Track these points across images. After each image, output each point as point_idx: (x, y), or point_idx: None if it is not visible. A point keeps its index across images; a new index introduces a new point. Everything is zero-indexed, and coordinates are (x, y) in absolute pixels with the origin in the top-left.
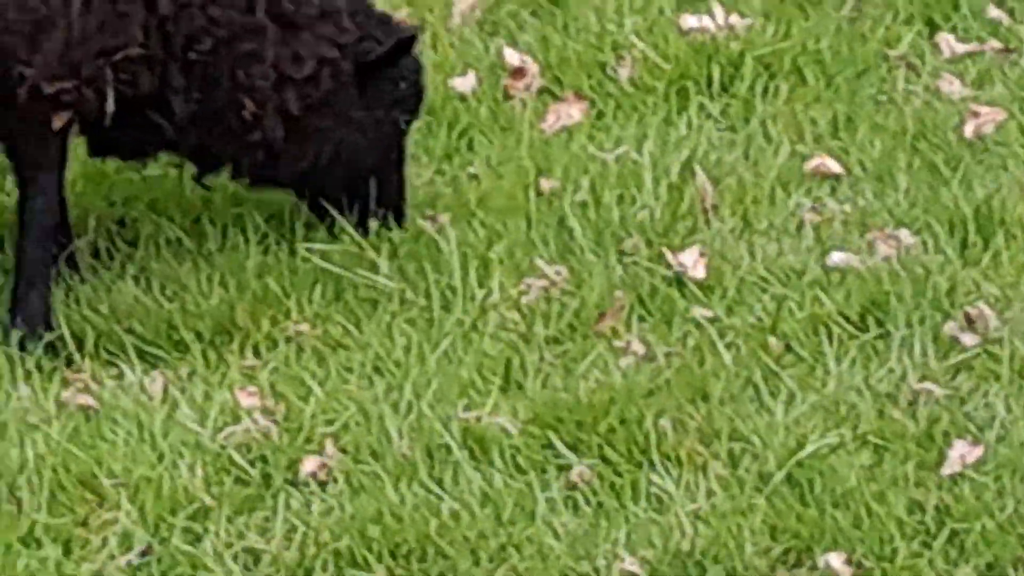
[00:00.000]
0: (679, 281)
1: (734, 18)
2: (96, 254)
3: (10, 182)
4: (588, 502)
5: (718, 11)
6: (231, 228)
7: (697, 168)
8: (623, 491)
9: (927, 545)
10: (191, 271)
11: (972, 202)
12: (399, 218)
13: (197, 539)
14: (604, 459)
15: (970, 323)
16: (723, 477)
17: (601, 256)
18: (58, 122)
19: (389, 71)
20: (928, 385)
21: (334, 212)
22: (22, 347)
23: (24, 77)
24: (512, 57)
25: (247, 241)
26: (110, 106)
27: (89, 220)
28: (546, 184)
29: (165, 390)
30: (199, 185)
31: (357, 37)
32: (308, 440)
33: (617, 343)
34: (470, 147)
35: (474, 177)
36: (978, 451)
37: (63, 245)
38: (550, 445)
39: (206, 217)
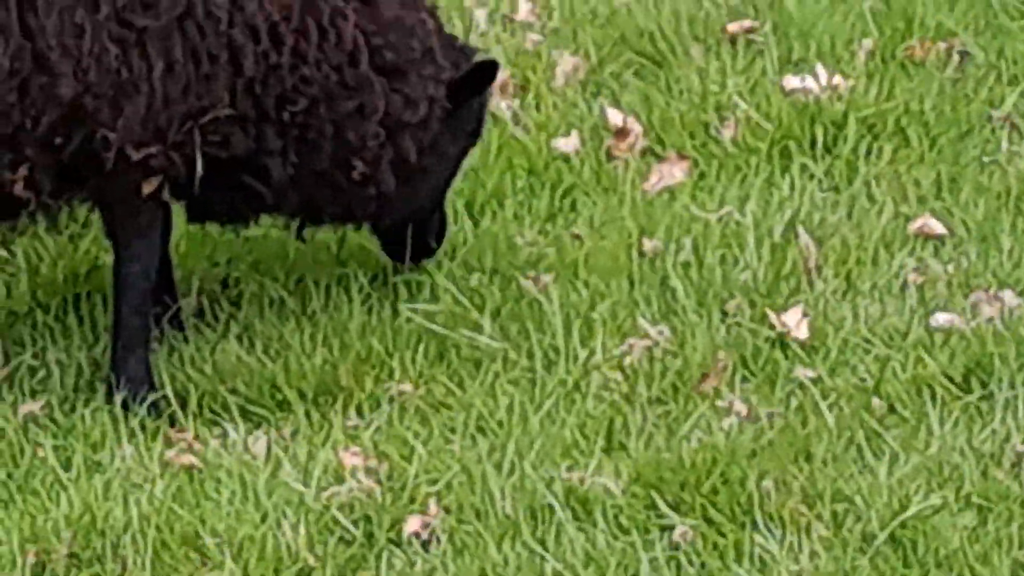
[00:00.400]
0: (782, 342)
1: (837, 79)
2: (200, 314)
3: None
4: (691, 563)
5: (821, 72)
6: (334, 288)
7: (800, 229)
8: (726, 552)
9: None
10: (295, 331)
11: None
12: (439, 243)
13: None
14: (707, 520)
15: None
16: (826, 538)
17: (704, 316)
18: (147, 188)
19: (472, 101)
20: None
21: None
22: (125, 407)
23: (109, 142)
24: (615, 117)
25: (350, 301)
26: (199, 170)
27: (193, 280)
28: (649, 244)
29: (269, 449)
30: (299, 239)
31: (452, 72)
32: (411, 500)
33: (720, 403)
34: (573, 207)
35: (577, 237)
36: None
37: (167, 305)
38: (653, 505)
39: (309, 277)
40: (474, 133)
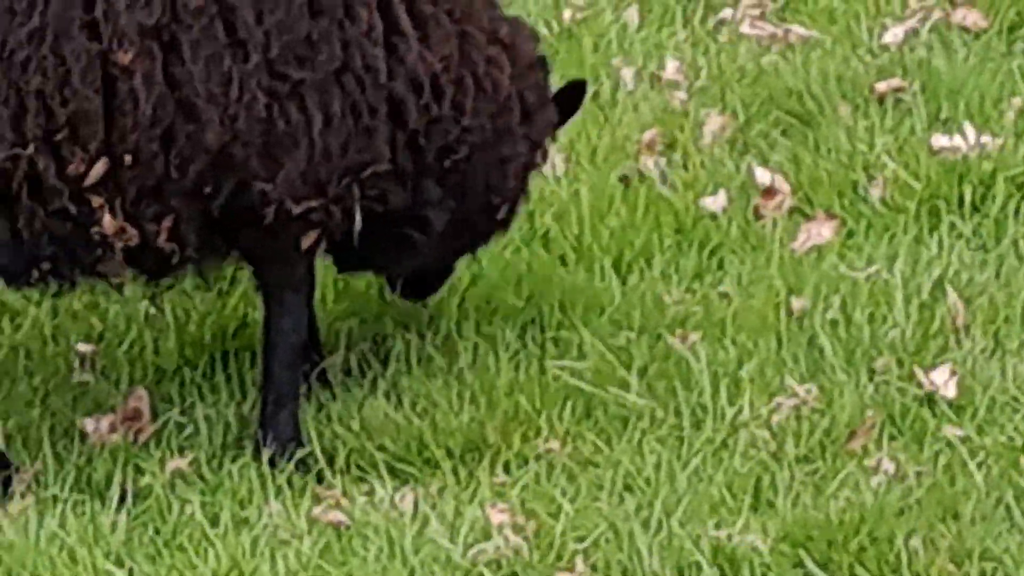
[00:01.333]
0: (930, 400)
1: (986, 137)
2: (348, 371)
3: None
4: None
5: (969, 130)
6: (482, 345)
7: (948, 287)
8: None
9: None
10: (442, 388)
11: None
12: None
13: None
14: None
15: None
16: None
17: (851, 375)
18: (306, 242)
19: None
20: None
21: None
22: (272, 464)
23: (267, 196)
24: (763, 176)
25: (498, 358)
26: (358, 224)
27: (341, 336)
28: (797, 303)
29: (416, 506)
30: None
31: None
32: (559, 557)
33: (868, 462)
34: (721, 266)
35: (725, 296)
36: None
37: (314, 362)
38: (801, 564)
39: (456, 334)
40: None
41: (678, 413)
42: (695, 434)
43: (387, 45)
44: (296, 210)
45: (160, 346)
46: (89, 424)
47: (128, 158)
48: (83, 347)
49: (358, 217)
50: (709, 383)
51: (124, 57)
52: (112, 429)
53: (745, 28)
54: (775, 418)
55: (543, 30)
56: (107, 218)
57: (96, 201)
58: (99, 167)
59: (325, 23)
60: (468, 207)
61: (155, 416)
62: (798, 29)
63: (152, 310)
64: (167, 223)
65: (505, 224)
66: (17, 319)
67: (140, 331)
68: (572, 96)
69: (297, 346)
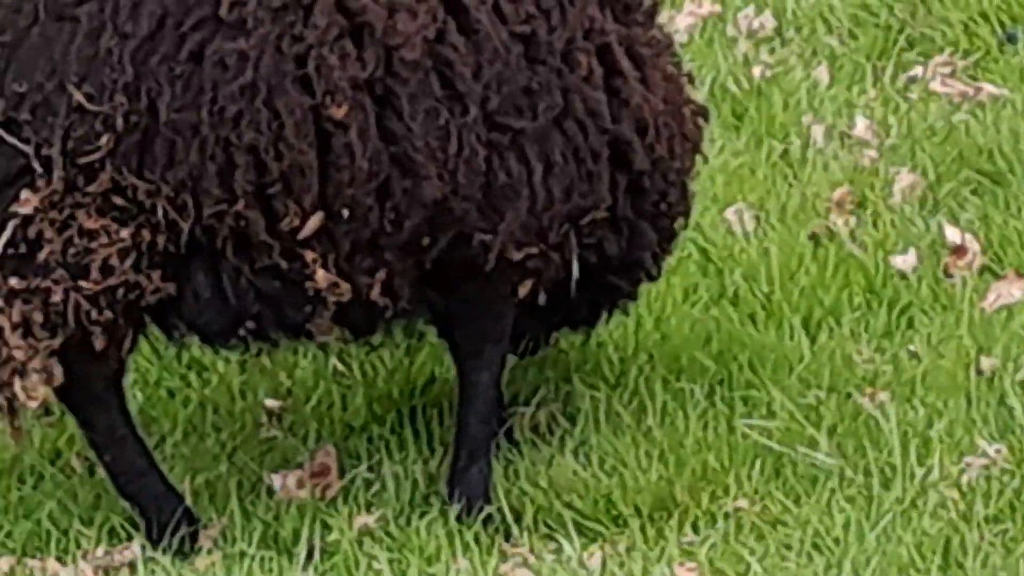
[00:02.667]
0: None
1: None
2: (536, 428)
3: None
4: None
5: None
6: (670, 403)
7: None
8: None
9: None
10: (630, 446)
11: None
12: None
13: None
14: None
15: None
16: None
17: None
18: (523, 291)
19: None
20: None
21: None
22: (460, 520)
23: (488, 246)
24: (953, 235)
25: (686, 417)
26: (575, 273)
27: (528, 394)
28: (986, 363)
29: (603, 565)
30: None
31: None
32: None
33: None
34: (910, 325)
35: (914, 355)
36: None
37: (501, 419)
38: None
39: (645, 392)
40: None
41: (867, 472)
42: (884, 494)
43: (608, 88)
44: (516, 257)
45: (348, 402)
46: (276, 480)
47: (344, 212)
48: (271, 403)
49: (575, 265)
50: (898, 442)
51: (339, 111)
52: (300, 485)
53: (936, 86)
54: (964, 478)
55: (733, 87)
56: (321, 273)
57: (309, 256)
58: (314, 221)
59: (544, 71)
60: (669, 248)
61: (342, 472)
62: (989, 87)
63: (340, 366)
64: (381, 276)
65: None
66: (205, 374)
67: (328, 387)
68: None
69: (493, 401)
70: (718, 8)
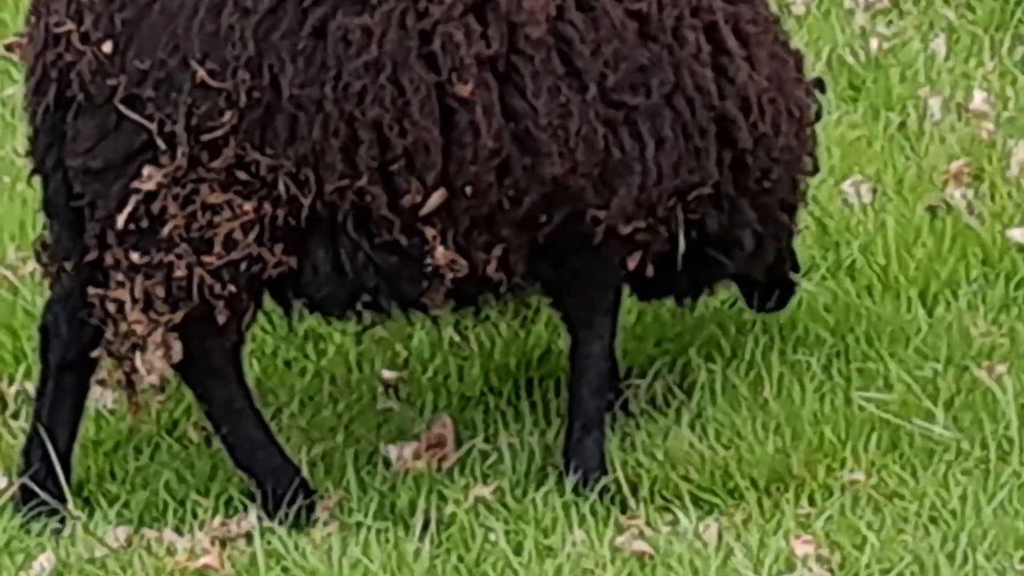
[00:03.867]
0: None
1: None
2: (652, 400)
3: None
4: None
5: None
6: (787, 375)
7: None
8: None
9: None
10: (747, 419)
11: None
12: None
13: None
14: None
15: None
16: None
17: None
18: (632, 262)
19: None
20: None
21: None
22: (576, 492)
23: (599, 220)
24: None
25: (803, 389)
26: (681, 247)
27: (645, 366)
28: None
29: (720, 537)
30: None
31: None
32: None
33: None
34: None
35: None
36: None
37: (618, 391)
38: None
39: (761, 364)
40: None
41: (984, 445)
42: (1001, 467)
43: (715, 66)
44: (625, 231)
45: (464, 374)
46: (393, 451)
47: (467, 189)
48: (388, 374)
49: (681, 239)
50: (1016, 415)
51: (464, 89)
52: (416, 456)
53: None
54: None
55: (850, 59)
56: (440, 249)
57: (430, 232)
58: (436, 197)
59: (656, 48)
60: (767, 227)
61: (459, 444)
62: None
63: (457, 337)
64: (497, 252)
65: (791, 238)
66: (322, 345)
67: (445, 358)
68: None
69: (605, 372)
70: None
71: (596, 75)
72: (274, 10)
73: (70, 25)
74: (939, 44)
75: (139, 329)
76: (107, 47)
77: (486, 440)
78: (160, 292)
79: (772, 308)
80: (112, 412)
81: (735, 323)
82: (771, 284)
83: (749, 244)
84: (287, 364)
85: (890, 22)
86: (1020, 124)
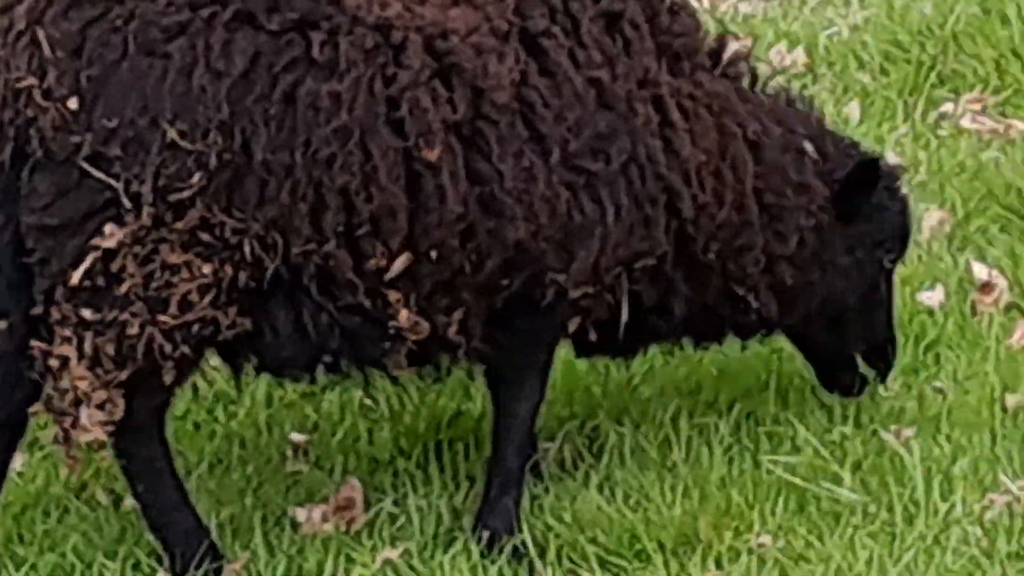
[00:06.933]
0: None
1: None
2: (561, 463)
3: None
4: None
5: None
6: (696, 438)
7: None
8: None
9: None
10: (655, 481)
11: None
12: (891, 359)
13: None
14: None
15: None
16: None
17: None
18: (573, 326)
19: (868, 212)
20: None
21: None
22: (484, 555)
23: (556, 284)
24: (981, 272)
25: (711, 452)
26: (624, 316)
27: (554, 428)
28: (1011, 400)
29: None
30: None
31: (831, 193)
32: None
33: None
34: (936, 361)
35: (940, 391)
36: None
37: (528, 454)
38: None
39: (670, 427)
40: (889, 249)
41: (891, 508)
42: (907, 529)
43: (662, 137)
44: (574, 295)
45: (374, 436)
46: (301, 514)
47: (432, 253)
48: (297, 436)
49: (625, 307)
50: (922, 479)
51: (431, 153)
52: (324, 519)
53: (966, 122)
54: (988, 514)
55: None
56: (404, 312)
57: (393, 296)
58: (401, 262)
59: (613, 117)
60: (708, 294)
61: (368, 506)
62: (1019, 124)
63: (367, 400)
64: (458, 315)
65: (747, 309)
66: (231, 407)
67: (354, 421)
68: (860, 177)
69: (529, 432)
70: (749, 43)
71: (559, 140)
72: (246, 74)
73: (32, 80)
74: (853, 108)
75: (82, 385)
76: (72, 103)
77: (395, 503)
78: (110, 350)
79: (851, 392)
80: (20, 474)
81: (645, 386)
82: (840, 366)
83: (680, 310)
84: (196, 426)
85: (805, 86)
86: (932, 188)
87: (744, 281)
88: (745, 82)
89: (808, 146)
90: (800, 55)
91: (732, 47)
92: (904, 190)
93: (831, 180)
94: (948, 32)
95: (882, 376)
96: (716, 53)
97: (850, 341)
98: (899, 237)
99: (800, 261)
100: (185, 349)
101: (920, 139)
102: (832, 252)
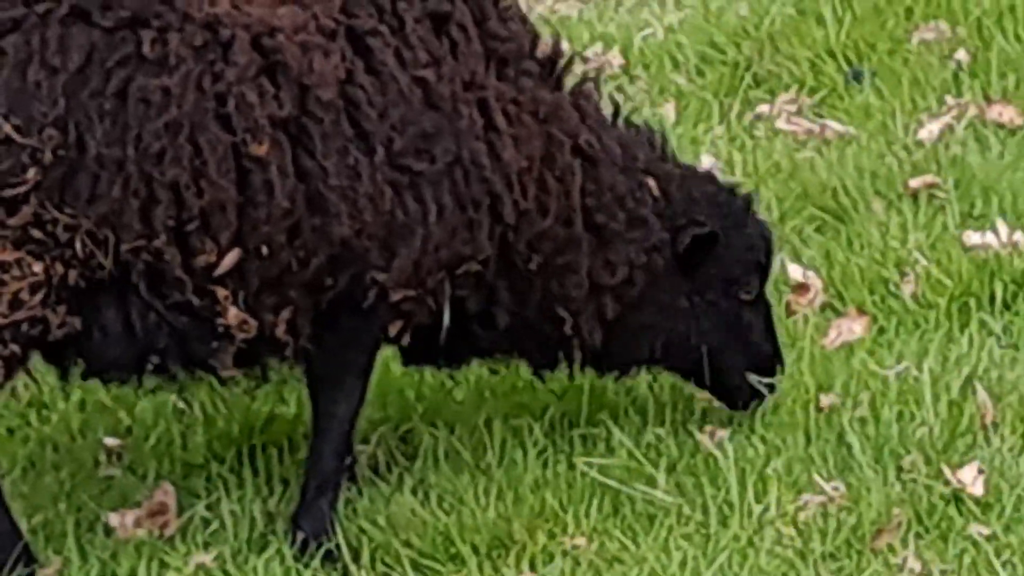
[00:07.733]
0: (957, 498)
1: (1018, 235)
2: (375, 466)
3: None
4: None
5: (1002, 228)
6: (510, 441)
7: (978, 385)
8: None
9: None
10: (469, 484)
11: None
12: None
13: None
14: None
15: None
16: None
17: (879, 472)
18: (393, 329)
19: (714, 258)
20: None
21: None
22: (297, 559)
23: (376, 283)
24: (795, 272)
25: (525, 455)
26: (446, 320)
27: (368, 431)
28: (826, 400)
29: None
30: (537, 378)
31: (670, 234)
32: None
33: (893, 560)
34: None
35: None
36: None
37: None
38: None
39: (484, 430)
40: (744, 285)
41: (705, 510)
42: (722, 531)
43: (486, 141)
44: (395, 297)
45: (188, 440)
46: (114, 518)
47: (263, 249)
48: (110, 441)
49: (447, 313)
50: (736, 480)
51: (259, 149)
52: (137, 523)
53: (781, 123)
54: (802, 515)
55: None
56: (232, 310)
57: (222, 293)
58: (230, 258)
59: (438, 117)
60: (527, 309)
61: (181, 511)
62: (834, 125)
63: (181, 404)
64: (285, 314)
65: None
66: (45, 412)
67: (168, 425)
68: (699, 247)
69: (348, 433)
70: (565, 45)
71: (384, 138)
72: (81, 69)
73: None
74: (669, 109)
75: None
76: None
77: (208, 507)
78: None
79: (747, 407)
80: None
81: (458, 388)
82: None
83: (503, 321)
84: (10, 431)
85: (620, 87)
86: (746, 189)
87: (567, 304)
88: (592, 100)
89: (651, 182)
90: (616, 56)
91: (563, 54)
92: (758, 217)
93: (671, 226)
94: (764, 33)
95: (771, 387)
96: (551, 61)
97: (728, 369)
98: (754, 268)
99: (628, 299)
100: (14, 348)
101: (736, 140)
102: (670, 296)
